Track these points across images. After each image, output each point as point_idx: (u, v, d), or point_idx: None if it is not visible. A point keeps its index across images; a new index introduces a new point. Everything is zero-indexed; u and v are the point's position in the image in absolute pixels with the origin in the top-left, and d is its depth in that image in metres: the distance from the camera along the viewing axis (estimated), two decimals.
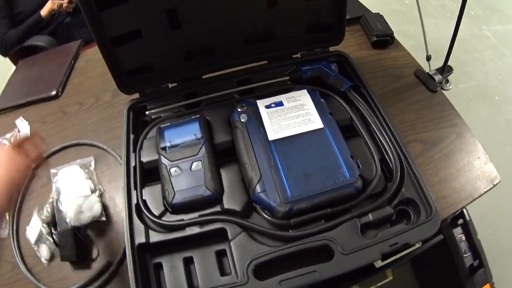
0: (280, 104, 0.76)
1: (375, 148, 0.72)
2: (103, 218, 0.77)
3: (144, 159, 0.75)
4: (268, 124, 0.73)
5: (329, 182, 0.65)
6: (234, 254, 0.64)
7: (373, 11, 1.04)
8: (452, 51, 0.91)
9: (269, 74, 0.85)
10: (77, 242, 0.74)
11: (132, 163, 0.75)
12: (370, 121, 0.76)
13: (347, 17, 0.99)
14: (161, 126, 0.78)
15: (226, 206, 0.68)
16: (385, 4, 2.14)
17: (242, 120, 0.74)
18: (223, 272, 0.65)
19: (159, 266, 0.67)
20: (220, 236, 0.66)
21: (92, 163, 0.86)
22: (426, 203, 0.66)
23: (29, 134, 0.76)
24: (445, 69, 0.92)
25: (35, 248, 0.77)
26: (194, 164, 0.71)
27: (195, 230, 0.66)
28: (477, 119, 1.96)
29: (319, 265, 0.61)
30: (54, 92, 1.00)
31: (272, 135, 0.72)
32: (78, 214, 0.76)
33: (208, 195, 0.68)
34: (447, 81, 0.92)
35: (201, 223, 0.67)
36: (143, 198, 0.71)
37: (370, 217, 0.65)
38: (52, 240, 0.76)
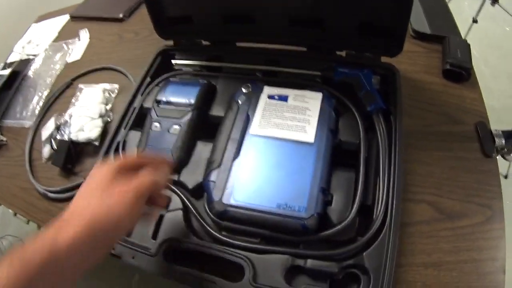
0: (284, 98, 0.63)
1: (363, 192, 0.55)
2: (96, 143, 0.77)
3: (145, 104, 0.72)
4: (258, 115, 0.61)
5: (281, 204, 0.52)
6: (162, 225, 0.59)
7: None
8: None
9: (302, 63, 0.70)
10: (68, 154, 0.77)
11: (135, 104, 0.73)
12: (380, 159, 0.58)
13: (430, 32, 0.80)
14: (170, 79, 0.73)
15: (181, 178, 0.62)
16: (506, 41, 1.60)
17: (239, 101, 0.64)
18: (155, 236, 0.59)
19: None
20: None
21: (116, 90, 0.86)
22: (379, 283, 0.50)
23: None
24: None
25: (42, 146, 0.82)
26: (174, 126, 0.65)
27: None
28: None
29: (223, 281, 0.51)
30: (120, 15, 1.01)
31: (254, 129, 0.60)
32: (78, 131, 0.77)
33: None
34: None
35: None
36: (126, 139, 0.69)
37: (307, 263, 0.52)
38: (52, 144, 0.80)
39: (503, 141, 0.68)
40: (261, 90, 0.65)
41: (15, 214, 0.98)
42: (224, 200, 0.54)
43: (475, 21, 1.01)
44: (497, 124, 0.70)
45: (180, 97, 0.67)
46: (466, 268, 0.57)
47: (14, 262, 0.35)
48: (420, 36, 0.80)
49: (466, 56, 0.74)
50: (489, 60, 1.63)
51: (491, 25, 1.73)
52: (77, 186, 0.74)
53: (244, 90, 0.65)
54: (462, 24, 0.83)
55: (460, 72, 0.73)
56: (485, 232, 0.59)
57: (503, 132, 0.69)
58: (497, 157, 0.68)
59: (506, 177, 1.20)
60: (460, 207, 0.61)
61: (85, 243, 0.39)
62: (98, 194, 0.43)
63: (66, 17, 1.13)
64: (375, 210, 0.55)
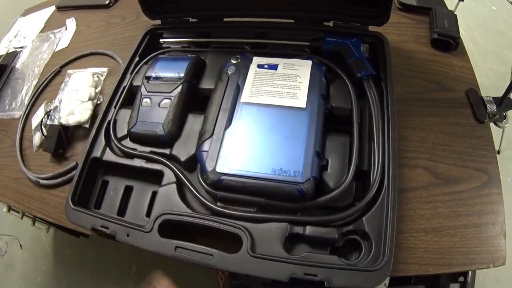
0: (273, 67, 0.59)
1: (358, 157, 0.52)
2: (86, 125, 0.72)
3: (135, 82, 0.68)
4: (248, 84, 0.57)
5: (276, 170, 0.48)
6: (156, 200, 0.55)
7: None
8: None
9: (290, 35, 0.67)
10: (59, 138, 0.72)
11: (124, 83, 0.69)
12: (373, 124, 0.55)
13: (416, 4, 0.78)
14: (159, 56, 0.69)
15: (174, 151, 0.58)
16: (493, 21, 1.69)
17: (229, 72, 0.60)
18: (148, 213, 0.56)
19: (106, 184, 0.62)
20: (159, 178, 0.57)
21: (105, 74, 0.81)
22: (381, 247, 0.46)
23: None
24: (503, 102, 0.63)
25: (32, 134, 0.77)
26: (164, 101, 0.60)
27: (141, 163, 0.59)
28: None
29: (220, 252, 0.47)
30: (107, 2, 0.97)
31: (245, 97, 0.56)
32: (68, 115, 0.72)
33: (161, 135, 0.58)
34: (504, 117, 0.66)
35: (146, 159, 0.58)
36: (116, 118, 0.65)
37: (306, 230, 0.48)
38: (42, 130, 0.75)
39: (495, 107, 0.65)
40: (250, 61, 0.61)
41: (9, 210, 0.93)
42: (218, 169, 0.50)
43: None
44: None
45: (170, 72, 0.63)
46: (467, 233, 0.54)
47: None
48: (406, 8, 0.78)
49: (453, 26, 0.72)
50: (477, 39, 1.63)
51: (477, 4, 1.72)
52: (70, 170, 0.69)
53: (233, 61, 0.62)
54: (448, 2, 0.81)
55: (448, 41, 0.70)
56: (483, 197, 0.57)
57: (494, 98, 0.67)
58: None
59: (498, 152, 1.18)
60: (456, 171, 0.58)
61: None
62: None
63: (52, 9, 1.07)
64: (371, 174, 0.52)
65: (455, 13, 0.77)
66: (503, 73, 1.44)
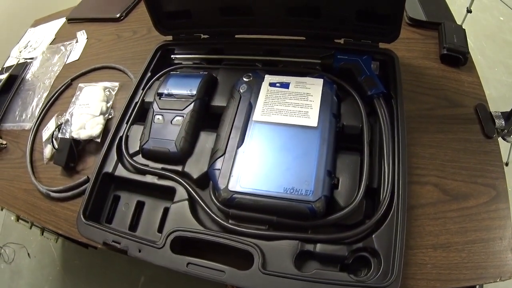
0: (285, 85, 0.61)
1: (369, 175, 0.54)
2: (98, 140, 0.75)
3: (147, 98, 0.71)
4: (260, 103, 0.60)
5: (287, 189, 0.50)
6: (168, 216, 0.57)
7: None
8: None
9: (301, 52, 0.69)
10: (70, 152, 0.74)
11: (136, 99, 0.71)
12: (384, 142, 0.57)
13: (425, 19, 0.80)
14: (171, 73, 0.71)
15: (186, 169, 0.60)
16: (500, 31, 1.71)
17: (241, 90, 0.62)
18: (160, 229, 0.58)
19: (117, 199, 0.64)
20: (171, 194, 0.59)
21: (116, 88, 0.83)
22: (390, 264, 0.48)
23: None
24: None
25: (43, 146, 0.79)
26: (176, 118, 0.63)
27: (153, 179, 0.61)
28: None
29: (231, 268, 0.49)
30: (117, 15, 0.99)
31: (258, 116, 0.58)
32: (80, 129, 0.75)
33: (173, 152, 0.60)
34: None
35: (158, 175, 0.61)
36: (128, 133, 0.67)
37: (316, 247, 0.50)
38: (53, 143, 0.78)
39: (503, 122, 0.67)
40: (262, 79, 0.63)
41: (17, 220, 0.96)
42: (231, 187, 0.52)
43: (469, 11, 1.00)
44: None
45: (182, 89, 0.66)
46: (474, 248, 0.55)
47: None
48: (416, 23, 0.80)
49: (462, 41, 0.73)
50: (485, 50, 1.65)
51: (485, 15, 1.74)
52: (81, 184, 0.71)
53: (245, 79, 0.64)
54: (456, 14, 0.82)
55: (457, 56, 0.72)
56: (491, 212, 0.58)
57: (503, 113, 0.68)
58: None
59: (507, 164, 1.19)
60: (465, 188, 0.60)
61: None
62: None
63: (63, 20, 1.11)
64: (381, 192, 0.54)
65: (463, 26, 0.78)
66: (511, 84, 1.46)
